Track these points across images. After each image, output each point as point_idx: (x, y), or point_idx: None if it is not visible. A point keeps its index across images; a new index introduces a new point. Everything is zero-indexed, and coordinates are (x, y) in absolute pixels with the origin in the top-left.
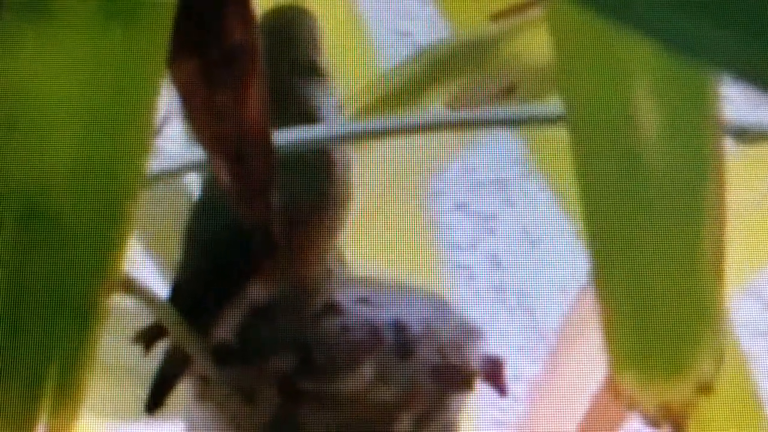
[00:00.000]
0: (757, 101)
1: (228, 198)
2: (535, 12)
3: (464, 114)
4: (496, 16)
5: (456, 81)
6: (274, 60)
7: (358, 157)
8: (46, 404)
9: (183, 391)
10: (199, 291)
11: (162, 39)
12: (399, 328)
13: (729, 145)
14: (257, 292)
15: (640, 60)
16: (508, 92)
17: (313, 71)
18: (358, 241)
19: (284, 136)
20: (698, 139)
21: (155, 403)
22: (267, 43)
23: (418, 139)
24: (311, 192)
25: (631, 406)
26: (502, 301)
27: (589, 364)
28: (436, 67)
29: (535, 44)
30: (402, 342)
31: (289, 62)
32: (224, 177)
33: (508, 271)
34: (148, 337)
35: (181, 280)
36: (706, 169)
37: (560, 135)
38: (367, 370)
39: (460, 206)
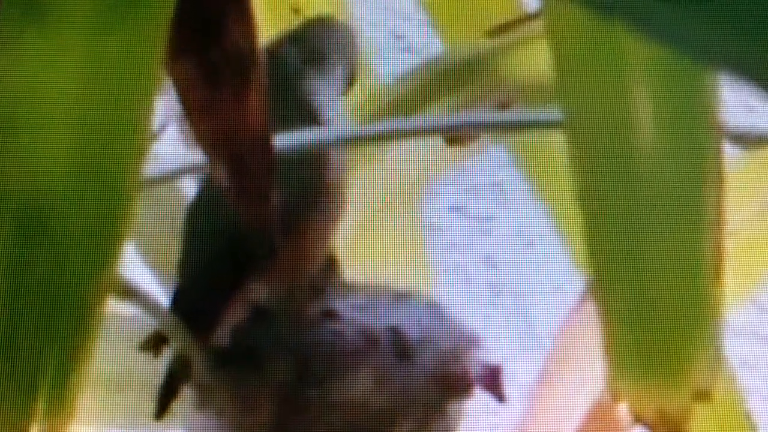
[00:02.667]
0: (757, 106)
1: (227, 199)
2: (530, 28)
3: (458, 118)
4: (491, 33)
5: (451, 97)
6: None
7: (355, 162)
8: (40, 409)
9: (182, 399)
10: (199, 297)
11: (160, 41)
12: (396, 335)
13: (731, 152)
14: (257, 291)
15: (639, 66)
16: (502, 108)
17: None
18: (356, 244)
19: (283, 139)
20: (698, 145)
21: (162, 408)
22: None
23: (415, 144)
24: (305, 195)
25: (630, 412)
26: (497, 302)
27: (587, 370)
28: (432, 84)
29: (529, 61)
30: (399, 349)
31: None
32: (223, 178)
33: (504, 272)
34: (154, 344)
35: (181, 286)
36: (705, 175)
37: (551, 143)
38: (365, 377)
39: (456, 208)
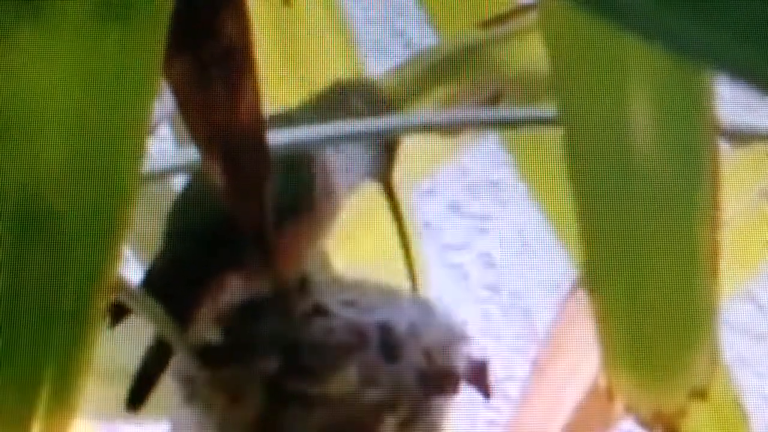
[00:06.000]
0: (751, 102)
1: (221, 197)
2: (523, 20)
3: (452, 115)
4: (485, 25)
5: (443, 89)
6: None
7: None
8: (41, 406)
9: (169, 393)
10: (173, 277)
11: (158, 40)
12: (385, 330)
13: (723, 147)
14: (237, 288)
15: (634, 63)
16: (494, 100)
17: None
18: (348, 242)
19: (277, 136)
20: (693, 141)
21: (137, 400)
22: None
23: (410, 141)
24: (292, 193)
25: (625, 410)
26: (495, 300)
27: (579, 365)
28: (423, 76)
29: (522, 53)
30: (388, 344)
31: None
32: (217, 176)
33: (502, 270)
34: (110, 312)
35: (155, 265)
36: (700, 172)
37: (546, 140)
38: (353, 372)
39: (454, 207)
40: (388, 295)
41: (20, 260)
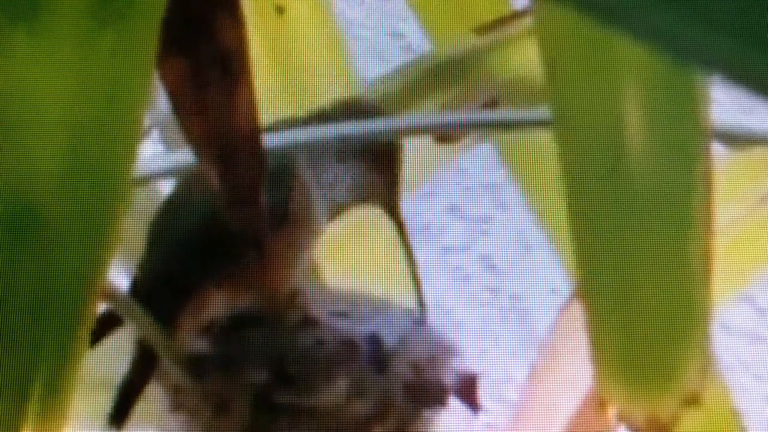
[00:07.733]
0: (747, 106)
1: (216, 201)
2: (518, 26)
3: (447, 117)
4: (480, 31)
5: (438, 96)
6: None
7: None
8: (31, 415)
9: (155, 402)
10: (158, 284)
11: (153, 42)
12: (375, 342)
13: (719, 151)
14: (223, 297)
15: (630, 67)
16: (491, 106)
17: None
18: (338, 254)
19: (272, 139)
20: (687, 146)
21: (120, 417)
22: None
23: (409, 143)
24: (277, 202)
25: (618, 417)
26: (495, 303)
27: (577, 372)
28: (418, 83)
29: (517, 58)
30: (377, 356)
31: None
32: (213, 179)
33: (502, 273)
34: (99, 326)
35: (140, 273)
36: (694, 177)
37: (541, 143)
38: (342, 384)
39: (454, 209)
40: (379, 306)
41: (9, 265)
